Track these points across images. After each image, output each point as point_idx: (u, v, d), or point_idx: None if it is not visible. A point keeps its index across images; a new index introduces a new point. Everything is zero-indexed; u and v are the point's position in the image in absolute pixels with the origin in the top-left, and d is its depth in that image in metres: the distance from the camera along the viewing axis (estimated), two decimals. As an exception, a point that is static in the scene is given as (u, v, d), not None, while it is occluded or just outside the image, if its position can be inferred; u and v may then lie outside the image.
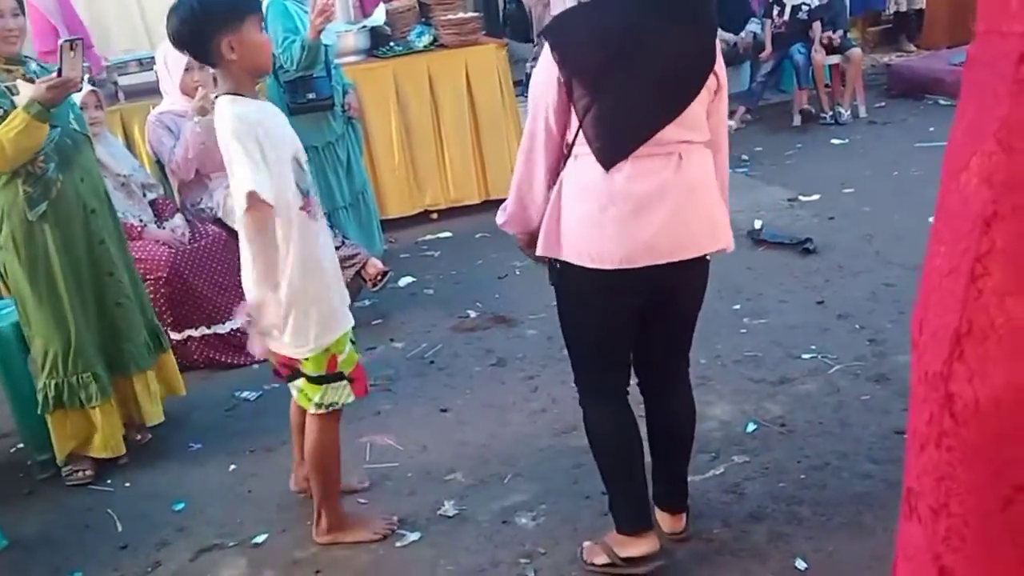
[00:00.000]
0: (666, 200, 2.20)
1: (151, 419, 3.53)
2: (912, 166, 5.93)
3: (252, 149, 2.34)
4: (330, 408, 2.67)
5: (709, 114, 2.28)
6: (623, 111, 2.17)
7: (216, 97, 2.52)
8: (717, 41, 2.27)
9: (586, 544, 2.61)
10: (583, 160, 2.22)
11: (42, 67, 3.22)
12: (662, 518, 2.64)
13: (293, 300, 2.49)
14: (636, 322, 2.38)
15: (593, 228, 2.21)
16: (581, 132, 2.20)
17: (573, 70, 2.15)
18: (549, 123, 2.23)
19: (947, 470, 1.25)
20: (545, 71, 2.20)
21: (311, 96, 4.66)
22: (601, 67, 2.14)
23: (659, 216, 2.20)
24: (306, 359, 2.61)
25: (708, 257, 2.36)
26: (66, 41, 2.97)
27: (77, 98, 3.53)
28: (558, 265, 2.32)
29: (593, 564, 2.56)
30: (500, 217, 2.45)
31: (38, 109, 2.94)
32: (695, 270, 2.33)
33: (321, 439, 2.73)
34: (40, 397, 3.29)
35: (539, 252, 2.34)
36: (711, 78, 2.22)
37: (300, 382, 2.71)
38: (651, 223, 2.20)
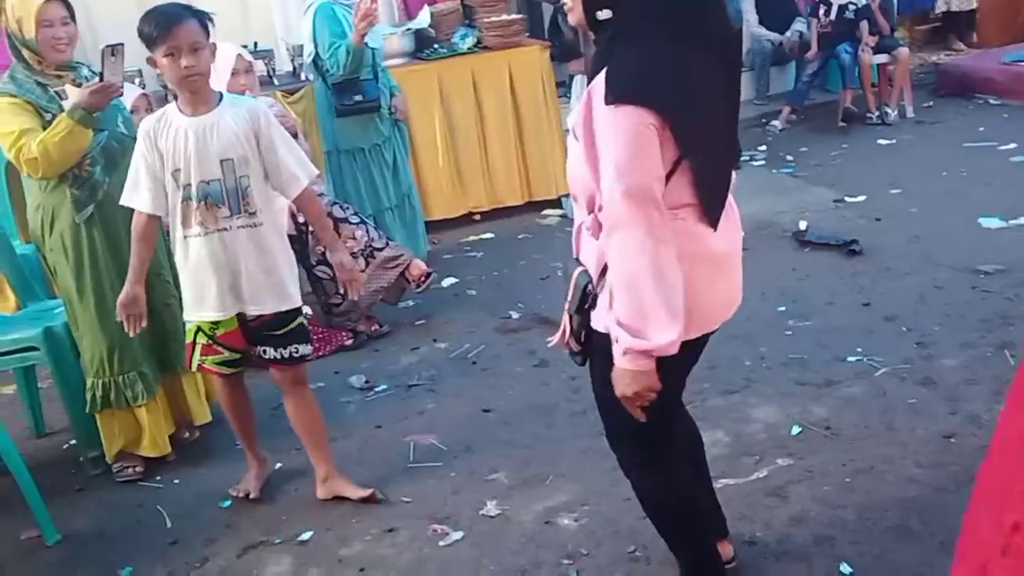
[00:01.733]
0: (734, 251, 2.12)
1: (200, 418, 3.60)
2: (961, 166, 5.84)
3: (137, 164, 2.85)
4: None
5: None
6: (714, 163, 1.99)
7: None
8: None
9: None
10: (675, 224, 1.94)
11: (93, 72, 3.28)
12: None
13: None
14: None
15: (699, 293, 1.97)
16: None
17: (674, 127, 1.86)
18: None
19: None
20: (643, 137, 1.84)
21: (358, 98, 4.71)
22: (694, 120, 1.91)
23: (732, 268, 2.11)
24: None
25: None
26: (107, 47, 3.03)
27: (127, 101, 3.60)
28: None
29: None
30: (672, 332, 1.89)
31: (81, 114, 3.01)
32: None
33: None
34: (88, 396, 3.36)
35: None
36: None
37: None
38: (736, 274, 2.12)
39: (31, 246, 4.36)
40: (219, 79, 4.48)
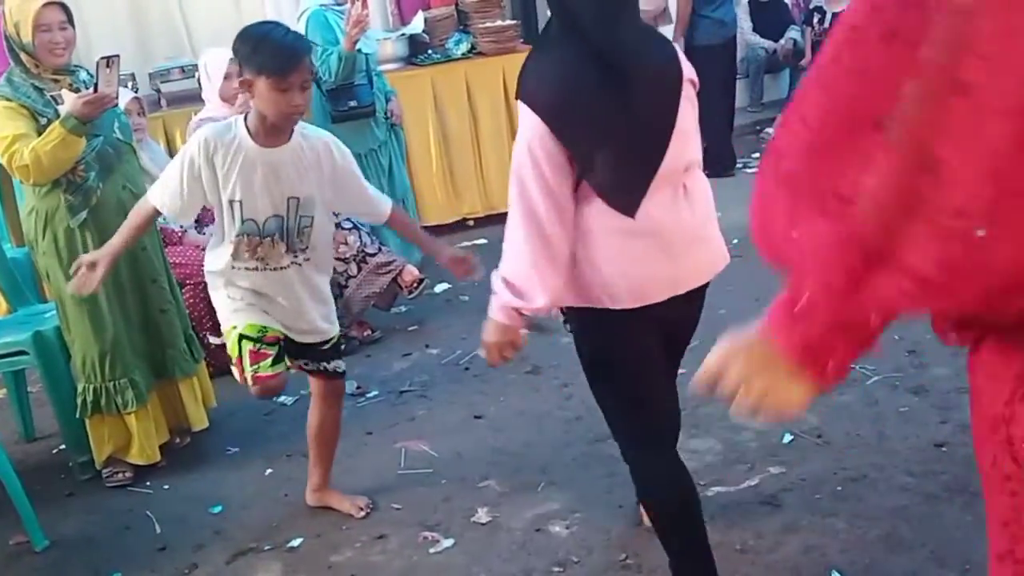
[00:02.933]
0: (681, 232, 2.17)
1: (196, 424, 3.58)
2: (954, 175, 5.85)
3: (178, 169, 2.64)
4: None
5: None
6: (624, 158, 2.09)
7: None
8: (680, 54, 2.18)
9: None
10: (597, 203, 2.11)
11: (92, 76, 3.27)
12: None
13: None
14: (663, 356, 2.34)
15: (623, 267, 2.14)
16: (585, 183, 2.10)
17: (567, 134, 2.02)
18: (560, 190, 2.06)
19: (1011, 515, 1.20)
20: (537, 140, 2.02)
21: (352, 104, 4.71)
22: (592, 122, 2.04)
23: (678, 248, 2.17)
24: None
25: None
26: (103, 58, 3.02)
27: (122, 105, 3.59)
28: (587, 315, 2.21)
29: None
30: (541, 299, 2.10)
31: (74, 123, 2.99)
32: (702, 295, 2.30)
33: None
34: (79, 401, 3.34)
35: (573, 304, 2.20)
36: (689, 87, 2.16)
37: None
38: (673, 255, 2.16)
39: (22, 250, 4.34)
40: (211, 84, 4.49)
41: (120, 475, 3.41)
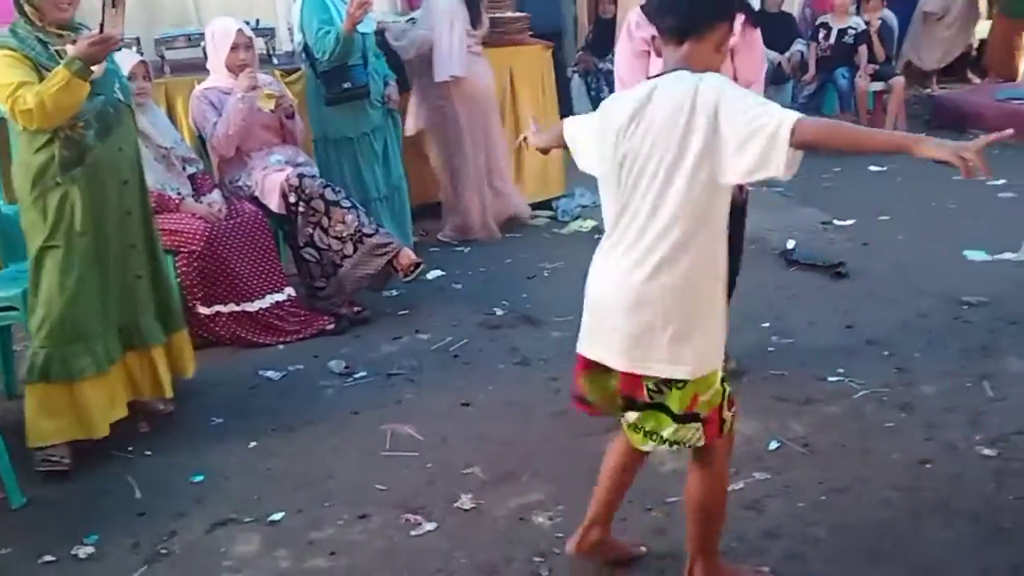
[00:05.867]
0: None
1: (157, 393, 3.48)
2: (949, 198, 5.89)
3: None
4: (676, 446, 2.27)
5: None
6: None
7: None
8: None
9: None
10: None
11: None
12: None
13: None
14: None
15: None
16: None
17: None
18: None
19: None
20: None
21: (346, 85, 4.69)
22: None
23: None
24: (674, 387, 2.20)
25: None
26: None
27: (124, 68, 3.55)
28: None
29: None
30: None
31: (79, 66, 2.94)
32: None
33: (708, 482, 2.35)
34: (27, 365, 3.17)
35: None
36: None
37: (634, 415, 2.29)
38: None
39: (14, 207, 4.29)
40: (218, 54, 4.46)
41: (58, 459, 3.20)
